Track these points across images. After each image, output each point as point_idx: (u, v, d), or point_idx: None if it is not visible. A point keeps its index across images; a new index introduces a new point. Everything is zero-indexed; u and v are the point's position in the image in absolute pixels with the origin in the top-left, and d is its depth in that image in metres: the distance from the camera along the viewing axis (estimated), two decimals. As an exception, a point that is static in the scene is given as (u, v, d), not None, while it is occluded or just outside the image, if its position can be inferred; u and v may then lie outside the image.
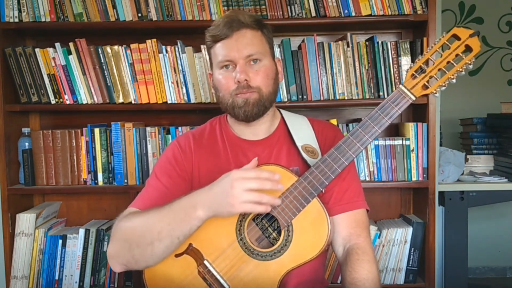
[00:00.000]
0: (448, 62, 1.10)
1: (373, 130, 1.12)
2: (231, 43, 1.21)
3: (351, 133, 1.14)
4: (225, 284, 1.14)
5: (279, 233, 1.15)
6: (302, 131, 1.30)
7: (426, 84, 1.10)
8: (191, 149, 1.30)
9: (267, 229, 1.17)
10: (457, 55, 1.09)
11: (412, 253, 1.94)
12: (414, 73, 1.11)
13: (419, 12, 1.88)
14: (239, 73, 1.20)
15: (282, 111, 1.36)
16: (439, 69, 1.10)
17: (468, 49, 1.09)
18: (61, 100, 1.93)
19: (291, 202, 1.13)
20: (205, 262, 1.16)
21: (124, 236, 1.15)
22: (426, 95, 1.13)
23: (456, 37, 1.10)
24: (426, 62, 1.11)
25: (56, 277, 1.94)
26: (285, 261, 1.14)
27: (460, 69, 1.09)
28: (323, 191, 1.16)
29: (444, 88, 1.11)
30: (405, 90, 1.11)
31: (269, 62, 1.25)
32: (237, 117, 1.25)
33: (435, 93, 1.11)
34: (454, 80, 1.11)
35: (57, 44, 1.91)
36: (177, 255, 1.16)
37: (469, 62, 1.09)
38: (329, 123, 1.45)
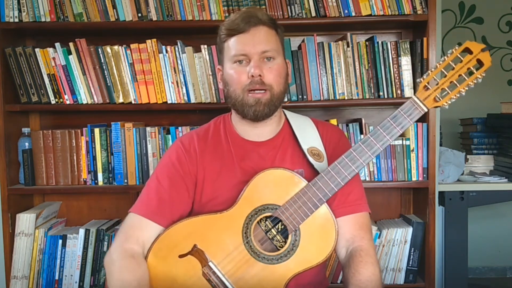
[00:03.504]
0: (459, 75, 1.11)
1: (384, 140, 1.12)
2: (247, 38, 1.20)
3: (362, 141, 1.13)
4: (230, 286, 1.14)
5: (286, 237, 1.16)
6: (307, 133, 1.30)
7: (437, 95, 1.11)
8: (196, 150, 1.28)
9: (271, 232, 1.17)
10: (468, 68, 1.10)
11: (412, 253, 1.94)
12: (426, 84, 1.11)
13: (419, 12, 1.88)
14: (253, 68, 1.19)
15: (286, 112, 1.36)
16: (450, 82, 1.11)
17: (479, 63, 1.10)
18: (61, 100, 1.93)
19: (300, 207, 1.13)
20: (210, 263, 1.15)
21: (111, 283, 1.16)
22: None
23: (468, 50, 1.11)
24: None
25: (56, 277, 1.94)
26: (291, 265, 1.14)
27: (471, 83, 1.11)
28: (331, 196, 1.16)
29: (454, 100, 1.12)
30: (418, 101, 1.11)
31: (282, 62, 1.25)
32: (245, 115, 1.24)
33: (446, 105, 1.12)
34: (463, 93, 1.12)
35: (57, 44, 1.91)
36: (181, 256, 1.16)
37: (480, 77, 1.10)
38: (333, 125, 1.44)
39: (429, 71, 1.12)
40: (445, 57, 1.11)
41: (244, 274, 1.14)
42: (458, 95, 1.12)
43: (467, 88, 1.11)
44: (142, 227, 1.20)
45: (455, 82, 1.11)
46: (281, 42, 1.27)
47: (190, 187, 1.26)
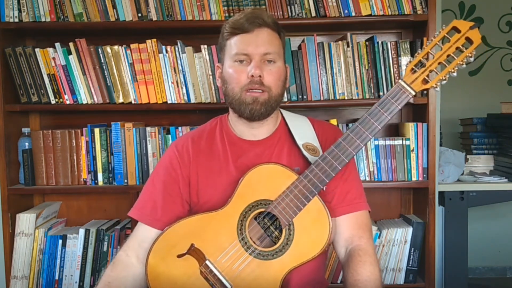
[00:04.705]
0: (448, 56, 1.08)
1: (373, 127, 1.12)
2: (250, 38, 1.21)
3: (350, 130, 1.13)
4: (227, 284, 1.14)
5: (281, 232, 1.15)
6: (303, 131, 1.30)
7: (426, 78, 1.09)
8: (189, 152, 1.30)
9: (269, 227, 1.18)
10: (457, 48, 1.07)
11: (412, 253, 1.94)
12: (413, 67, 1.09)
13: (419, 12, 1.88)
14: (254, 68, 1.20)
15: (283, 111, 1.36)
16: (439, 63, 1.08)
17: (468, 41, 1.07)
18: (61, 100, 1.93)
19: (292, 200, 1.13)
20: (207, 262, 1.16)
21: None
22: (426, 92, 1.11)
23: (456, 29, 1.08)
24: (426, 57, 1.09)
25: (56, 277, 1.94)
26: (286, 260, 1.14)
27: (461, 62, 1.07)
28: (324, 189, 1.16)
29: (444, 81, 1.09)
30: (405, 85, 1.10)
31: (282, 65, 1.26)
32: (242, 114, 1.24)
33: (436, 87, 1.09)
34: (454, 74, 1.09)
35: (57, 44, 1.91)
36: (179, 256, 1.17)
37: (470, 55, 1.07)
38: (329, 123, 1.45)
39: (416, 54, 1.09)
40: (432, 38, 1.08)
41: (241, 271, 1.14)
42: (448, 76, 1.08)
43: (457, 69, 1.08)
44: (136, 231, 1.28)
45: (443, 62, 1.08)
46: (282, 46, 1.28)
47: (184, 190, 1.28)
